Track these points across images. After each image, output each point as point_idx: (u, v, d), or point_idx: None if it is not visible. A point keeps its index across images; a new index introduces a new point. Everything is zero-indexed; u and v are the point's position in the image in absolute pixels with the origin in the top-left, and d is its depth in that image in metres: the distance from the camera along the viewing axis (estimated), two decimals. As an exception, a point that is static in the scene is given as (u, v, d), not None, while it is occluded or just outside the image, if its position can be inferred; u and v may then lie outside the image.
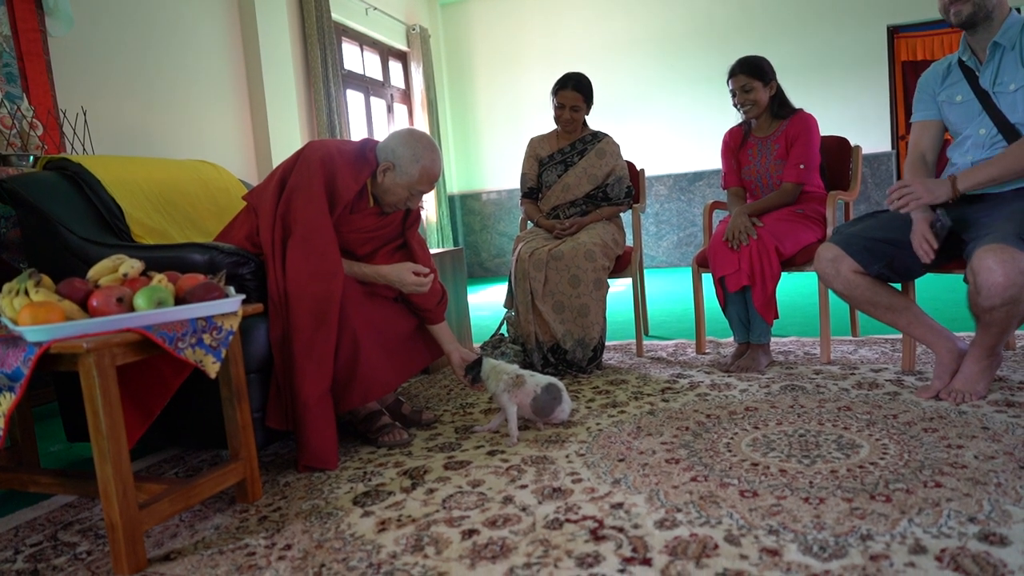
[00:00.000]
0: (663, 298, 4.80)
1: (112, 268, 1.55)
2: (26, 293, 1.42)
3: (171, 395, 1.65)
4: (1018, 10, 2.11)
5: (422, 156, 2.08)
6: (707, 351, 2.97)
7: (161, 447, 2.18)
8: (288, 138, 4.75)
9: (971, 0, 2.03)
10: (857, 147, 2.94)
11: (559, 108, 3.05)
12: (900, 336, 2.46)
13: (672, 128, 6.78)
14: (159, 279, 1.51)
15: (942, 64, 2.26)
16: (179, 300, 1.52)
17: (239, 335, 1.65)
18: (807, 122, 2.74)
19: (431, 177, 2.11)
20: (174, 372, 1.63)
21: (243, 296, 1.62)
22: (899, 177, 6.34)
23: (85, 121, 3.29)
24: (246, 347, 1.79)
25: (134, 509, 1.37)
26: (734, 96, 2.76)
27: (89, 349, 1.28)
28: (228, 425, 1.67)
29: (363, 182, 2.09)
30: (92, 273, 1.54)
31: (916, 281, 2.29)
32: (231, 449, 1.68)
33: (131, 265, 1.54)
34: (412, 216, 2.30)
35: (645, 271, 6.63)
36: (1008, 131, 2.02)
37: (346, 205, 2.05)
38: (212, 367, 1.50)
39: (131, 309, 1.43)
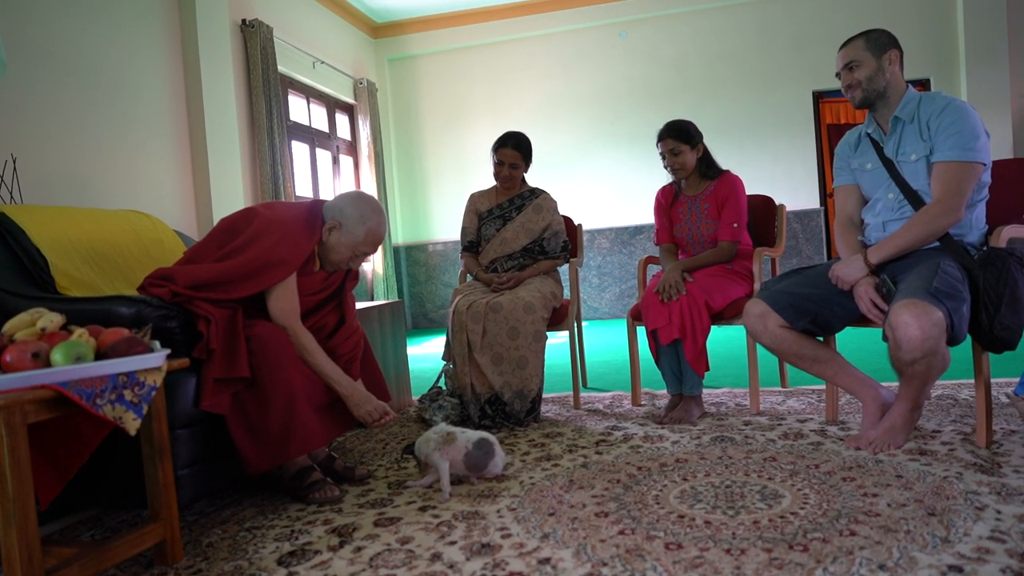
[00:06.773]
0: (603, 349, 4.86)
1: (30, 322, 1.51)
2: (-65, 348, 1.37)
3: (90, 453, 1.60)
4: (927, 84, 2.29)
5: (369, 218, 2.13)
6: (643, 403, 3.02)
7: (79, 507, 2.08)
8: (230, 189, 4.71)
9: (860, 87, 2.24)
10: (781, 206, 3.09)
11: (498, 165, 3.13)
12: (825, 387, 2.56)
13: (614, 183, 6.98)
14: (79, 333, 1.48)
15: (853, 135, 2.42)
16: (100, 355, 1.48)
17: (163, 390, 1.62)
18: (734, 183, 2.88)
19: (376, 239, 2.15)
20: (93, 429, 1.58)
21: (168, 351, 1.59)
22: (828, 232, 6.64)
23: (15, 168, 3.21)
24: (175, 403, 1.76)
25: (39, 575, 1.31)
26: (664, 158, 2.89)
27: (-2, 407, 1.24)
28: (148, 484, 1.63)
29: (313, 246, 2.13)
30: (8, 327, 1.50)
31: (838, 334, 2.40)
32: (151, 509, 1.63)
33: (50, 319, 1.51)
34: (352, 274, 2.34)
35: (589, 323, 6.73)
36: (912, 196, 2.17)
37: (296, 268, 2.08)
38: (132, 424, 1.47)
39: (47, 365, 1.40)
